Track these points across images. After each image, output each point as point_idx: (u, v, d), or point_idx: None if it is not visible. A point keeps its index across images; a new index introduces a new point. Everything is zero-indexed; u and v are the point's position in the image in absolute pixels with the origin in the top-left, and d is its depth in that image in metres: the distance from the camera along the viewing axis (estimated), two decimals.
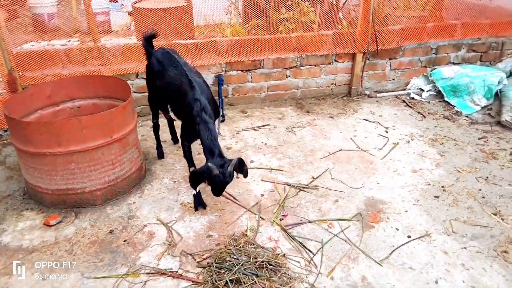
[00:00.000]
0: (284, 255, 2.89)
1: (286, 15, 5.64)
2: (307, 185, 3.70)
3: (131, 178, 3.58)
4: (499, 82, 5.06)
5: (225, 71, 5.00)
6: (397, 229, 3.18)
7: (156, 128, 4.04)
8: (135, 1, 6.72)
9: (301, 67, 5.25)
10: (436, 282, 2.71)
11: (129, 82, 4.71)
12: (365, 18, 5.04)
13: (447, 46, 5.63)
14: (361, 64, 5.35)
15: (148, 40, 3.64)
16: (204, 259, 2.88)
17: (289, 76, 5.27)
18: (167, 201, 3.50)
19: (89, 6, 4.82)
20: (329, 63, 5.33)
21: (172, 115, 3.54)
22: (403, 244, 3.02)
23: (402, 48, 5.45)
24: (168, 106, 3.49)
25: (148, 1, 6.57)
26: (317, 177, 3.81)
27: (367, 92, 5.55)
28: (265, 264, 2.78)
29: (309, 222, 3.25)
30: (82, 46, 4.53)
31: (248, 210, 3.37)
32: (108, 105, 4.00)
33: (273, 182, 3.73)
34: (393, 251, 2.95)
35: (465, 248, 2.98)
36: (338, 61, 5.34)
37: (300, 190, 3.64)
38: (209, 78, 4.97)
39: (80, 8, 8.67)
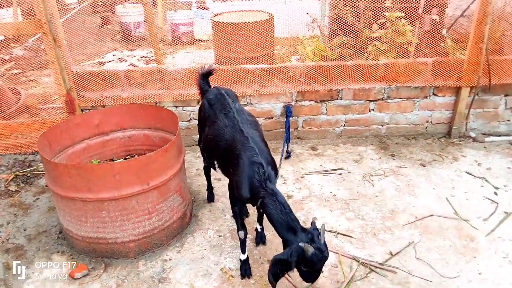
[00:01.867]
0: None
1: (377, 33, 4.80)
2: (382, 264, 2.88)
3: (170, 229, 3.10)
4: None
5: (296, 100, 4.34)
6: None
7: (207, 171, 3.52)
8: (215, 14, 6.37)
9: (389, 100, 4.38)
10: None
11: (189, 108, 4.29)
12: (477, 42, 4.02)
13: None
14: (467, 100, 4.31)
15: (204, 77, 3.15)
16: None
17: (373, 109, 4.43)
18: (206, 262, 2.94)
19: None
20: (426, 97, 4.38)
21: (219, 172, 2.90)
22: None
23: None
24: (216, 162, 2.86)
25: (229, 14, 6.16)
26: (396, 253, 2.97)
27: (473, 135, 4.48)
28: None
29: None
30: (143, 69, 4.20)
31: None
32: (160, 138, 3.60)
33: (337, 253, 2.98)
34: None
35: None
36: (437, 95, 4.37)
37: (372, 270, 2.83)
38: (277, 108, 4.35)
39: (166, 18, 8.67)
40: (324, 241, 2.23)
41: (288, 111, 4.26)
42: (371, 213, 3.40)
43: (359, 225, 3.26)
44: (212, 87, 3.12)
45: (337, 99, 4.34)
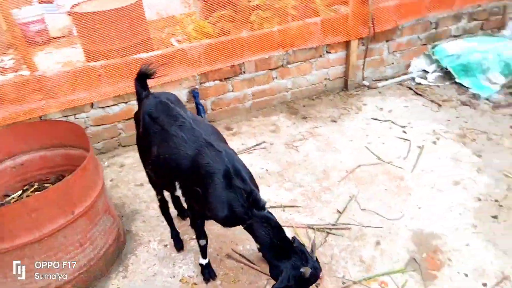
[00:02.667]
0: None
1: (257, 1, 4.73)
2: (335, 224, 2.93)
3: (108, 255, 2.69)
4: None
5: (200, 83, 4.09)
6: (466, 275, 2.48)
7: (164, 206, 2.82)
8: (72, 5, 5.58)
9: (289, 66, 4.40)
10: None
11: (83, 115, 3.75)
12: None
13: (446, 18, 4.93)
14: (357, 52, 4.56)
15: (141, 80, 2.55)
16: None
17: (276, 77, 4.42)
18: (161, 278, 2.64)
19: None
20: (320, 56, 4.51)
21: (180, 193, 2.35)
22: None
23: (400, 27, 4.70)
24: (177, 184, 2.29)
25: (90, 2, 5.45)
26: (343, 211, 3.04)
27: (366, 83, 4.79)
28: None
29: (354, 283, 2.49)
30: (15, 80, 3.49)
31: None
32: (61, 156, 3.05)
33: (292, 227, 2.93)
34: None
35: None
36: (330, 52, 4.54)
37: (328, 233, 2.86)
38: (182, 95, 4.05)
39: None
40: (316, 258, 2.11)
41: (195, 96, 4.00)
42: (306, 178, 3.42)
43: (300, 193, 3.26)
44: (147, 95, 2.51)
45: (241, 73, 4.21)
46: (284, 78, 4.45)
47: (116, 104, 3.83)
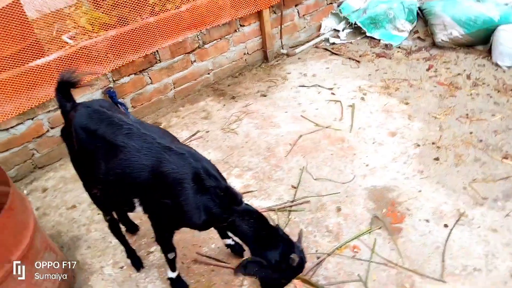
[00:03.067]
0: None
1: None
2: (293, 201, 2.87)
3: None
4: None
5: (114, 80, 3.70)
6: (428, 221, 2.59)
7: (114, 226, 2.50)
8: None
9: (206, 46, 4.17)
10: None
11: None
12: None
13: None
14: (270, 21, 4.46)
15: (63, 90, 2.14)
16: None
17: (195, 61, 4.16)
18: None
19: None
20: (235, 31, 4.33)
21: (139, 210, 2.06)
22: (447, 240, 2.44)
23: None
24: (136, 200, 2.01)
25: None
26: (298, 185, 2.99)
27: (284, 51, 4.74)
28: None
29: (328, 255, 2.47)
30: None
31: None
32: None
33: None
34: (443, 259, 2.35)
35: (508, 215, 2.53)
36: (244, 26, 4.37)
37: (290, 211, 2.80)
38: (96, 97, 3.64)
39: None
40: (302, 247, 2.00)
41: (111, 96, 3.61)
42: (253, 160, 3.30)
43: (251, 177, 3.14)
44: (74, 107, 2.13)
45: (156, 63, 3.89)
46: (203, 60, 4.22)
47: (22, 123, 3.32)
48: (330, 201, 2.83)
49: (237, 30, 4.34)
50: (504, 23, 3.87)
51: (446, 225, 2.53)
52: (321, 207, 2.80)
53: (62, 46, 4.00)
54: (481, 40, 4.09)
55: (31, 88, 3.25)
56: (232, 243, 2.53)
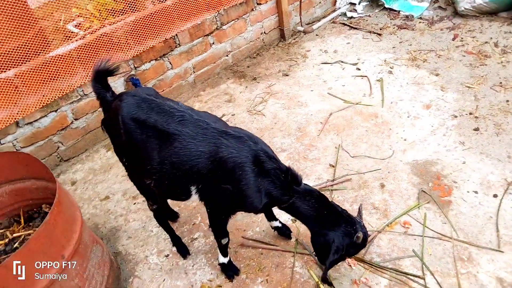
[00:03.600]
0: None
1: None
2: (334, 180, 2.82)
3: (109, 285, 2.31)
4: None
5: (135, 67, 3.60)
6: (476, 192, 2.53)
7: (161, 215, 2.48)
8: None
9: (224, 27, 4.05)
10: None
11: (9, 138, 3.11)
12: None
13: None
14: None
15: (100, 79, 2.06)
16: None
17: (213, 43, 4.05)
18: None
19: None
20: (252, 10, 4.21)
21: (196, 198, 1.99)
22: (498, 210, 2.40)
23: None
24: (192, 187, 1.94)
25: None
26: (336, 164, 2.93)
27: (301, 28, 4.62)
28: None
29: (379, 232, 2.43)
30: None
31: (295, 253, 2.41)
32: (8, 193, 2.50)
33: None
34: (498, 229, 2.31)
35: None
36: (260, 4, 4.24)
37: (332, 191, 2.75)
38: (118, 86, 3.55)
39: None
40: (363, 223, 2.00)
41: (135, 83, 3.51)
42: (285, 141, 3.23)
43: (286, 158, 3.08)
44: (119, 96, 2.04)
45: (176, 47, 3.78)
46: (222, 41, 4.10)
47: (46, 115, 3.23)
48: (372, 178, 2.77)
49: (254, 9, 4.22)
50: None
51: (495, 195, 2.48)
52: (363, 184, 2.74)
53: (68, 37, 3.89)
54: (505, 6, 3.98)
55: (53, 79, 3.16)
56: (280, 225, 2.48)
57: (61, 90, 3.21)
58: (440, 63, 3.66)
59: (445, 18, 4.25)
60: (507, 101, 3.11)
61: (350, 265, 2.29)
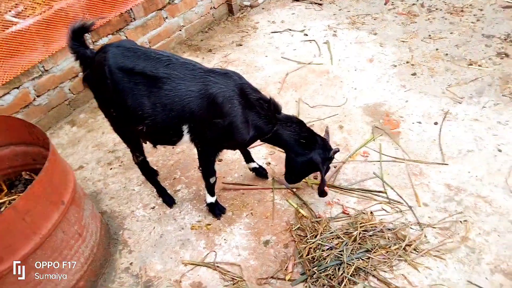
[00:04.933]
0: (371, 213, 2.40)
1: None
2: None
3: (102, 238, 2.43)
4: None
5: (93, 42, 3.65)
6: (420, 122, 2.96)
7: (146, 166, 2.61)
8: None
9: (175, 1, 4.19)
10: (500, 151, 2.64)
11: None
12: None
13: None
14: None
15: (77, 37, 2.12)
16: (292, 272, 2.19)
17: (167, 17, 4.18)
18: (169, 237, 2.52)
19: None
20: None
21: (187, 139, 2.17)
22: (439, 134, 2.83)
23: None
24: (184, 127, 2.10)
25: None
26: (298, 114, 3.23)
27: (248, 3, 4.88)
28: (363, 235, 2.27)
29: (343, 162, 2.77)
30: None
31: (274, 188, 2.68)
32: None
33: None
34: (441, 148, 2.74)
35: (484, 107, 2.97)
36: None
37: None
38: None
39: None
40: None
41: None
42: None
43: None
44: (105, 49, 2.09)
45: (131, 21, 3.86)
46: (175, 16, 4.24)
47: (8, 93, 3.20)
48: (331, 122, 3.10)
49: None
50: None
51: (436, 123, 2.92)
52: (325, 128, 3.06)
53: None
54: None
55: (13, 55, 3.14)
56: (257, 166, 2.73)
57: (22, 66, 3.19)
58: (377, 24, 4.10)
59: None
60: (437, 49, 3.60)
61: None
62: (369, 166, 2.71)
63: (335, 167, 2.73)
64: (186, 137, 2.14)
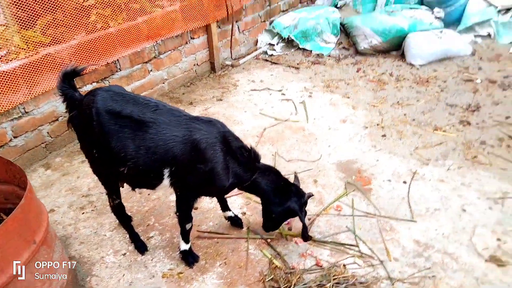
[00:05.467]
0: (344, 266, 2.43)
1: (92, 0, 4.47)
2: None
3: (69, 283, 2.34)
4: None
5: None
6: (390, 180, 3.10)
7: (121, 211, 2.60)
8: None
9: (161, 56, 4.38)
10: (464, 210, 2.78)
11: None
12: None
13: None
14: (217, 35, 4.85)
15: (67, 80, 2.22)
16: None
17: (151, 70, 4.34)
18: (140, 283, 2.45)
19: None
20: (187, 43, 4.62)
21: (167, 183, 2.20)
22: (408, 192, 2.97)
23: (244, 7, 5.18)
24: (165, 171, 2.13)
25: None
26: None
27: (229, 62, 5.14)
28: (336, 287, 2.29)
29: (317, 215, 2.83)
30: None
31: (248, 238, 2.69)
32: None
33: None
34: (410, 206, 2.87)
35: (449, 169, 3.16)
36: (194, 38, 4.69)
37: None
38: (60, 106, 3.62)
39: None
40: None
41: None
42: None
43: None
44: (94, 92, 2.18)
45: (117, 71, 3.99)
46: (159, 69, 4.41)
47: None
48: (306, 176, 3.21)
49: (188, 42, 4.64)
50: (412, 31, 4.77)
51: (405, 182, 3.07)
52: (300, 181, 3.16)
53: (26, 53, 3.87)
54: (395, 46, 4.94)
55: None
56: (233, 215, 2.76)
57: (2, 106, 3.21)
58: (349, 89, 4.38)
59: (349, 56, 5.10)
60: (404, 114, 3.86)
61: (296, 243, 2.63)
62: (342, 220, 2.79)
63: (309, 220, 2.79)
64: (167, 181, 2.18)
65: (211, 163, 2.09)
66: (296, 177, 2.54)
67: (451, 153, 3.31)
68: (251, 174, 2.23)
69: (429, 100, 4.05)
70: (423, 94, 4.16)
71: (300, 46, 5.37)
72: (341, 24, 5.43)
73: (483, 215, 2.73)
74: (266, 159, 3.42)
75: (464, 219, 2.71)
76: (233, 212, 2.76)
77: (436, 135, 3.54)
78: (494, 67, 4.51)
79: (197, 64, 4.86)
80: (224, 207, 2.72)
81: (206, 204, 2.97)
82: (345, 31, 5.40)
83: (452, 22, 5.18)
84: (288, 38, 5.43)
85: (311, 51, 5.31)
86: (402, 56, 4.87)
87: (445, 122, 3.69)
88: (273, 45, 5.51)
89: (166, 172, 2.15)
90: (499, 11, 5.05)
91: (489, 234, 2.59)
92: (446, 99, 4.03)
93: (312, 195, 2.43)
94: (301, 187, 2.46)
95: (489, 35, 5.07)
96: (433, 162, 3.24)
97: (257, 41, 5.57)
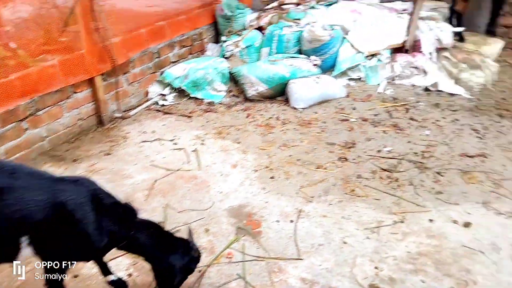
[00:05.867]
0: None
1: None
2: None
3: None
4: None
5: None
6: (278, 221, 3.20)
7: None
8: None
9: (39, 113, 4.12)
10: (345, 243, 2.96)
11: None
12: (89, 35, 4.42)
13: (164, 48, 5.73)
14: (103, 87, 4.73)
15: None
16: None
17: (27, 128, 4.04)
18: None
19: None
20: (68, 98, 4.42)
21: (28, 252, 1.94)
22: (295, 230, 3.08)
23: (132, 60, 5.16)
24: (24, 239, 1.90)
25: None
26: (165, 220, 3.24)
27: (119, 114, 5.00)
28: None
29: (208, 266, 2.79)
30: None
31: None
32: None
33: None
34: (297, 244, 2.97)
35: (330, 204, 3.36)
36: (76, 92, 4.50)
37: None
38: None
39: None
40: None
41: None
42: None
43: None
44: None
45: None
46: (37, 127, 4.13)
47: None
48: (198, 226, 3.17)
49: (70, 97, 4.44)
50: (293, 78, 5.14)
51: (292, 221, 3.19)
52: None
53: None
54: (279, 92, 5.27)
55: None
56: (115, 278, 2.58)
57: None
58: (240, 134, 4.53)
59: (239, 103, 5.31)
60: (290, 155, 4.07)
61: None
62: (233, 267, 2.77)
63: (199, 272, 2.73)
64: (27, 250, 1.97)
65: (81, 224, 1.96)
66: (190, 232, 2.43)
67: (331, 188, 3.55)
68: (127, 231, 2.13)
69: (311, 140, 4.34)
70: (306, 135, 4.45)
71: (192, 95, 5.45)
72: (230, 73, 5.66)
73: (361, 245, 2.93)
74: (157, 212, 3.33)
75: (345, 251, 2.87)
76: (116, 275, 2.59)
77: (319, 172, 3.78)
78: (365, 107, 5.03)
79: (82, 118, 4.65)
80: (105, 270, 2.54)
81: (87, 270, 2.75)
82: (234, 80, 5.63)
83: (328, 68, 5.71)
84: (179, 88, 5.49)
85: (202, 99, 5.42)
86: (287, 101, 5.19)
87: (326, 160, 3.96)
88: (165, 95, 5.52)
89: (24, 240, 1.94)
90: (366, 57, 5.71)
91: (367, 263, 2.77)
92: (326, 138, 4.36)
93: (197, 250, 2.33)
94: (194, 240, 2.40)
95: (360, 78, 5.68)
96: (316, 198, 3.43)
97: (147, 92, 5.54)
